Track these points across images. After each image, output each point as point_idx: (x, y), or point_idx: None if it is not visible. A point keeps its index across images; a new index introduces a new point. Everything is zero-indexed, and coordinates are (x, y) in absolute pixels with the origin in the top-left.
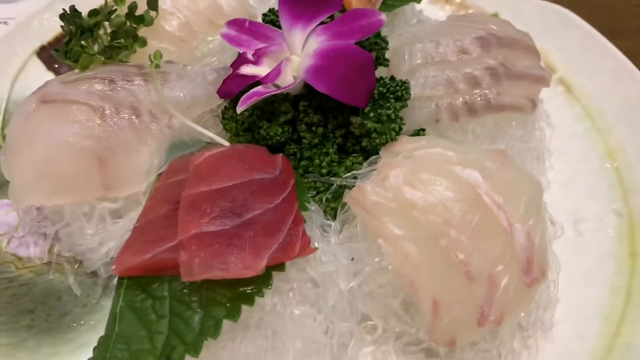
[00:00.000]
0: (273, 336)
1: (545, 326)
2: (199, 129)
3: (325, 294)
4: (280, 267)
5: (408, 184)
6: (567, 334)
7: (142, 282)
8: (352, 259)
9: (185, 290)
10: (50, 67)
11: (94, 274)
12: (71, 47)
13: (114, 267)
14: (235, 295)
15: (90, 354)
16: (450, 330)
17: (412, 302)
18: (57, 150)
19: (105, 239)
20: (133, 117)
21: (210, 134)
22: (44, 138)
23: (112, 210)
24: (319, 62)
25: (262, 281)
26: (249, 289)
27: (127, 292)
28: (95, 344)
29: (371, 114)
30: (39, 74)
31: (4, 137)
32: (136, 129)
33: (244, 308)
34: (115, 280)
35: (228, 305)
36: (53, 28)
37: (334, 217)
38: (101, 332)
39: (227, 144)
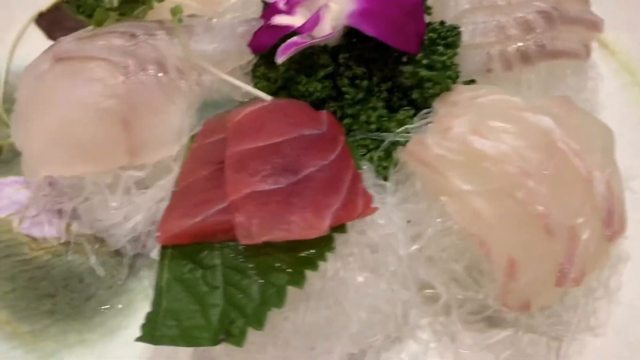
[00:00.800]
0: (336, 305)
1: (611, 287)
2: (236, 82)
3: (385, 260)
4: (341, 228)
5: (475, 133)
6: (635, 295)
7: (188, 251)
8: (409, 221)
9: (239, 257)
10: (51, 35)
11: (117, 253)
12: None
13: (157, 234)
14: (296, 260)
15: (120, 340)
16: (526, 292)
17: (476, 266)
18: (76, 112)
19: (130, 213)
20: (159, 73)
21: (249, 88)
22: (61, 100)
23: (138, 180)
24: (365, 5)
25: (324, 244)
26: (310, 253)
27: (172, 263)
28: (124, 328)
29: (424, 61)
30: (40, 44)
31: (5, 110)
32: (163, 87)
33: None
34: (143, 260)
35: (289, 271)
36: None
37: (386, 178)
38: (130, 316)
39: (268, 97)
